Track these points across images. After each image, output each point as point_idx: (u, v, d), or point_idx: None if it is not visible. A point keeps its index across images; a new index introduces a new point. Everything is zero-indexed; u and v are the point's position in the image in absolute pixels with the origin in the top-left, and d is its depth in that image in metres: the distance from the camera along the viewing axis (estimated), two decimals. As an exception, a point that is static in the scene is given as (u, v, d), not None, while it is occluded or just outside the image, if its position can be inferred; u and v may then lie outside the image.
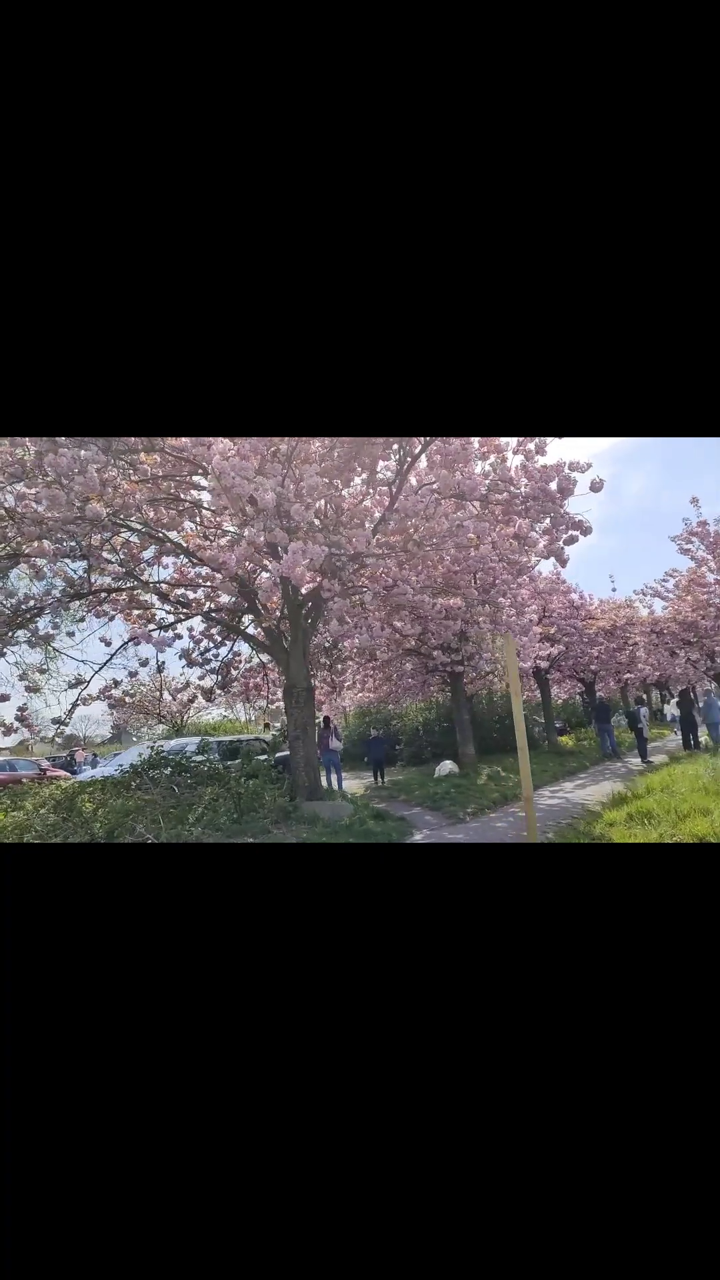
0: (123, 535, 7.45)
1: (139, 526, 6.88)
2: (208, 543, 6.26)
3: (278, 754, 9.20)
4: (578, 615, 13.23)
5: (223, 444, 4.11)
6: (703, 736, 12.38)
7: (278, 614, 7.16)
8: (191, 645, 9.66)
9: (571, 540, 6.07)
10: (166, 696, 19.55)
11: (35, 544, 5.20)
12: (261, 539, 4.32)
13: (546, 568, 12.28)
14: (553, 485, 6.17)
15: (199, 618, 8.68)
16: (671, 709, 18.40)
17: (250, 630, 8.53)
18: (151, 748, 7.66)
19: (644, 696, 21.45)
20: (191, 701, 10.27)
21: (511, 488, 6.20)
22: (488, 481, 5.76)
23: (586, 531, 6.00)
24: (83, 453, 4.19)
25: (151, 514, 6.96)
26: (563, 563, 6.86)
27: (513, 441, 6.59)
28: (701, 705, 12.70)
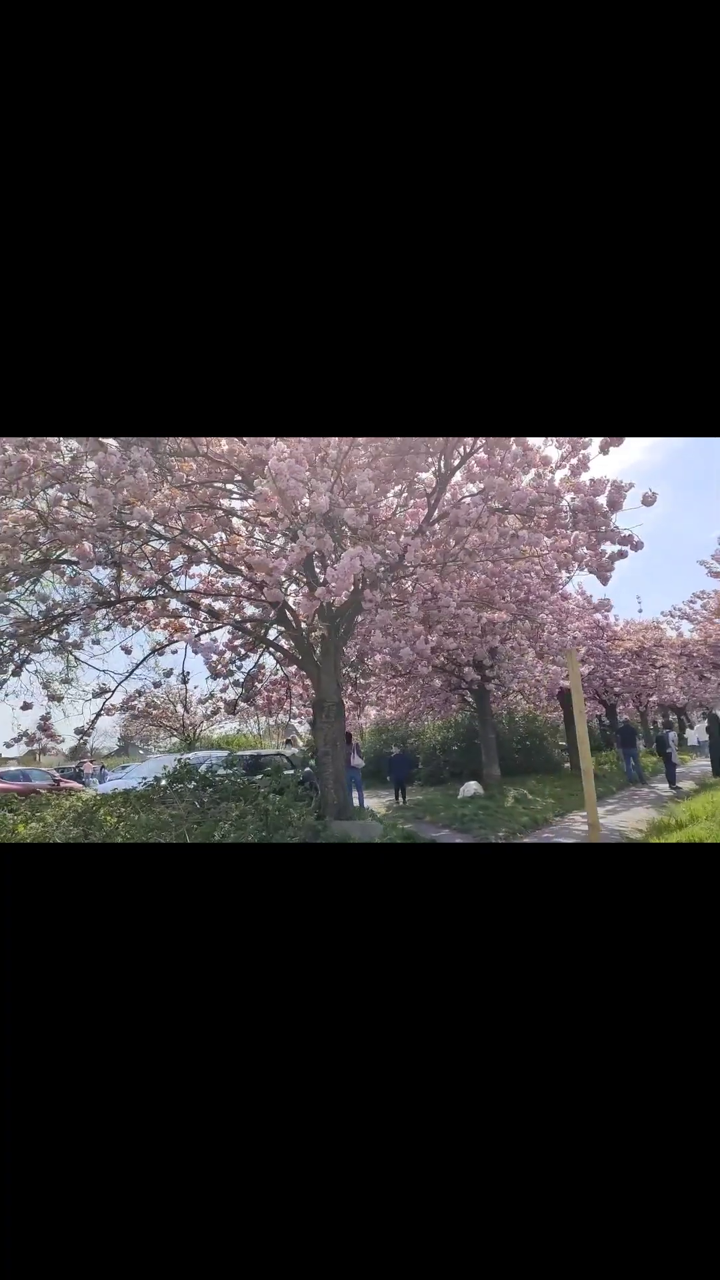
0: (152, 544, 7.32)
1: (170, 534, 6.74)
2: (252, 549, 6.09)
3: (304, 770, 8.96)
4: (603, 636, 12.99)
5: (279, 445, 3.97)
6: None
7: (309, 626, 6.97)
8: (216, 657, 9.51)
9: (621, 556, 5.87)
10: (180, 709, 19.44)
11: (76, 546, 5.04)
12: (313, 544, 4.16)
13: (569, 586, 12.05)
14: (600, 499, 5.99)
15: (226, 629, 8.51)
16: (698, 734, 18.01)
17: (278, 643, 8.33)
18: (179, 760, 7.44)
19: (673, 720, 21.03)
20: (214, 714, 10.07)
21: (557, 499, 6.03)
22: (534, 494, 5.58)
23: (637, 547, 5.80)
24: (134, 454, 4.05)
25: (182, 521, 6.83)
26: (605, 580, 6.65)
27: (556, 455, 6.44)
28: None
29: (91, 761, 22.02)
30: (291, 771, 7.49)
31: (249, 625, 8.35)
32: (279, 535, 5.60)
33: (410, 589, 6.43)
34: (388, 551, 4.64)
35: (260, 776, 8.30)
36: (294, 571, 6.88)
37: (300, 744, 18.06)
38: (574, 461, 6.36)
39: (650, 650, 12.83)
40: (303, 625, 7.62)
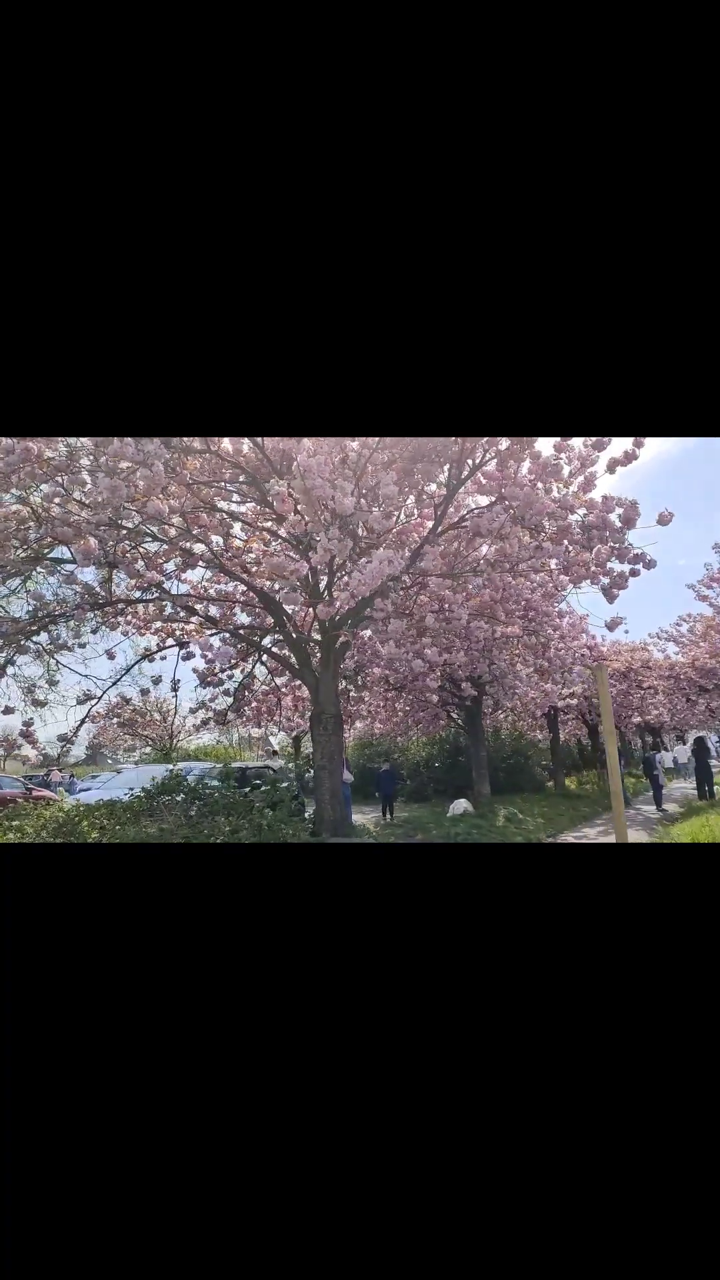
0: (145, 544, 7.05)
1: (166, 535, 6.48)
2: (268, 551, 5.87)
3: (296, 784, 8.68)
4: (591, 656, 12.99)
5: (308, 442, 3.79)
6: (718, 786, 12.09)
7: (322, 633, 6.76)
8: (208, 664, 9.23)
9: (634, 574, 5.80)
10: (160, 718, 18.92)
11: (80, 543, 4.77)
12: (335, 547, 3.98)
13: (564, 604, 12.03)
14: (613, 515, 5.93)
15: (218, 637, 8.24)
16: (679, 754, 18.08)
17: (277, 651, 8.08)
18: (170, 770, 7.12)
19: (659, 741, 21.14)
20: (205, 724, 9.75)
21: (570, 514, 5.95)
22: (552, 507, 5.48)
23: (649, 565, 5.74)
24: (147, 446, 3.83)
25: (184, 522, 6.59)
26: (611, 599, 6.58)
27: (565, 470, 6.38)
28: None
29: (59, 770, 21.27)
30: (286, 785, 7.24)
31: (242, 632, 8.10)
32: (291, 537, 5.39)
33: (421, 600, 6.27)
34: (405, 557, 4.48)
35: (249, 790, 8.02)
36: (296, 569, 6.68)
37: (281, 757, 17.69)
38: (581, 479, 6.32)
39: (637, 672, 12.88)
40: (305, 634, 7.40)
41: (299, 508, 4.06)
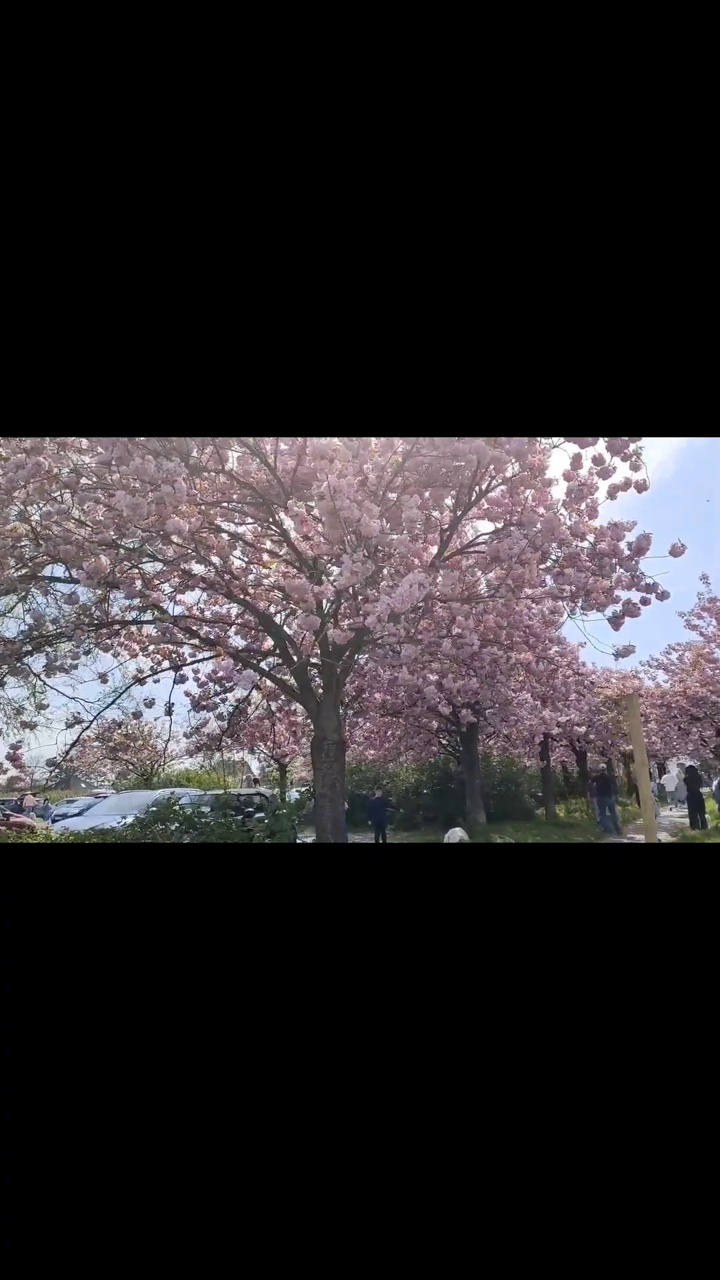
0: (145, 564, 6.88)
1: (165, 555, 6.32)
2: (288, 572, 5.74)
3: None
4: (582, 683, 13.01)
5: (339, 463, 3.71)
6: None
7: (311, 659, 6.62)
8: (199, 690, 9.02)
9: (645, 603, 5.79)
10: (148, 741, 18.45)
11: (92, 560, 4.60)
12: (360, 569, 3.88)
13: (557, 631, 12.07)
14: (623, 543, 5.93)
15: (213, 661, 8.04)
16: (668, 782, 18.13)
17: (279, 676, 7.91)
18: (170, 795, 6.86)
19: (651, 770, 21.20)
20: (199, 749, 9.49)
21: (579, 542, 5.94)
22: (567, 534, 5.47)
23: (662, 596, 5.74)
24: (167, 464, 3.71)
25: (179, 540, 6.44)
26: (617, 627, 6.56)
27: (565, 496, 6.37)
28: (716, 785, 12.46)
29: (33, 795, 20.56)
30: (284, 811, 7.02)
31: (242, 655, 7.93)
32: (308, 560, 5.28)
33: (424, 625, 6.19)
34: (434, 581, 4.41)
35: (242, 818, 7.76)
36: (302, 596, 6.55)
37: (264, 783, 17.32)
38: (582, 506, 6.32)
39: (629, 700, 12.88)
40: (306, 658, 7.25)
41: (320, 529, 3.97)
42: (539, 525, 4.74)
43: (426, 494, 4.55)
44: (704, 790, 12.40)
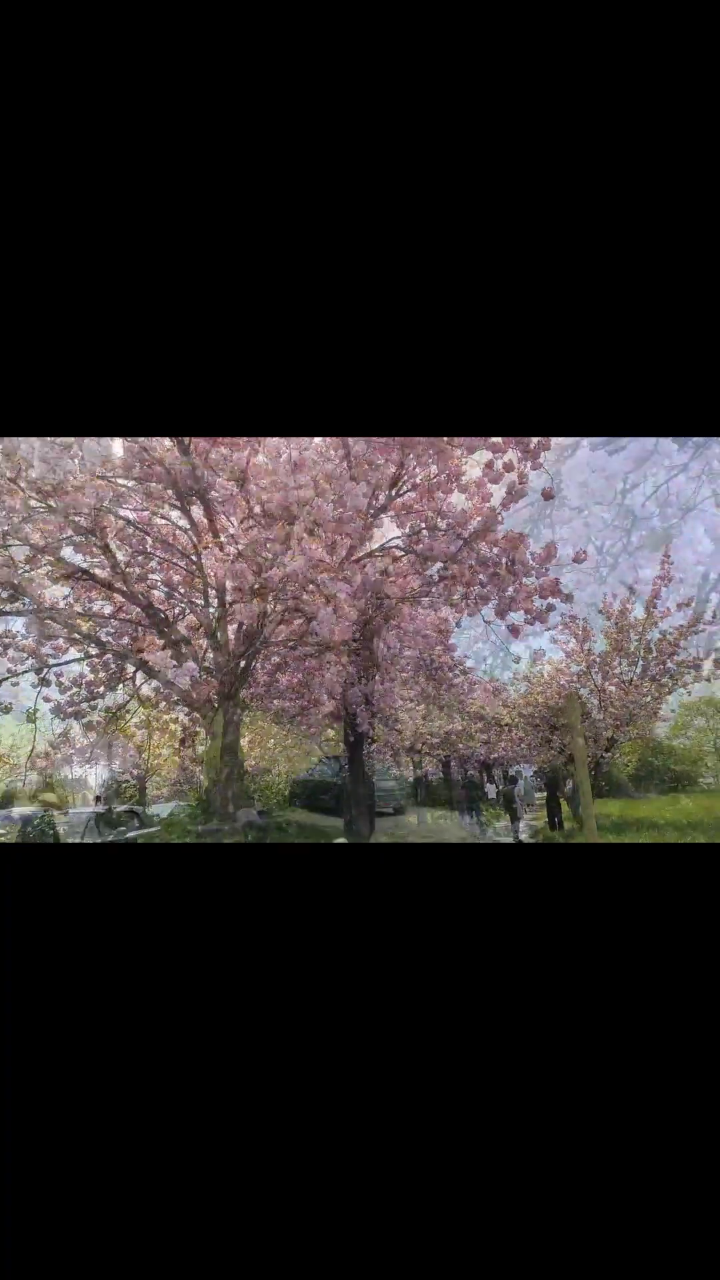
0: (11, 547, 5.98)
1: (34, 538, 5.54)
2: (227, 555, 5.22)
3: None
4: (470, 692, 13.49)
5: (280, 446, 3.41)
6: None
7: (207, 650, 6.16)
8: (65, 695, 8.05)
9: (549, 609, 6.05)
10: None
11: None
12: (299, 565, 3.60)
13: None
14: (527, 554, 6.18)
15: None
16: (521, 787, 19.23)
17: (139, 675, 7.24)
18: (42, 815, 5.94)
19: (491, 776, 22.39)
20: (66, 760, 8.42)
21: (492, 548, 6.11)
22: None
23: (567, 599, 6.04)
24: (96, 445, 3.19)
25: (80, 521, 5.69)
26: (515, 633, 6.83)
27: (463, 504, 6.53)
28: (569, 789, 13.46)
29: None
30: (155, 829, 6.38)
31: (127, 654, 7.17)
32: (249, 546, 4.87)
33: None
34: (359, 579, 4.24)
35: (113, 837, 6.95)
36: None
37: (107, 803, 15.91)
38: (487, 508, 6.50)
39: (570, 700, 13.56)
40: (199, 660, 6.70)
41: (254, 514, 3.64)
42: (474, 525, 4.77)
43: (361, 484, 4.41)
44: (559, 795, 13.40)
